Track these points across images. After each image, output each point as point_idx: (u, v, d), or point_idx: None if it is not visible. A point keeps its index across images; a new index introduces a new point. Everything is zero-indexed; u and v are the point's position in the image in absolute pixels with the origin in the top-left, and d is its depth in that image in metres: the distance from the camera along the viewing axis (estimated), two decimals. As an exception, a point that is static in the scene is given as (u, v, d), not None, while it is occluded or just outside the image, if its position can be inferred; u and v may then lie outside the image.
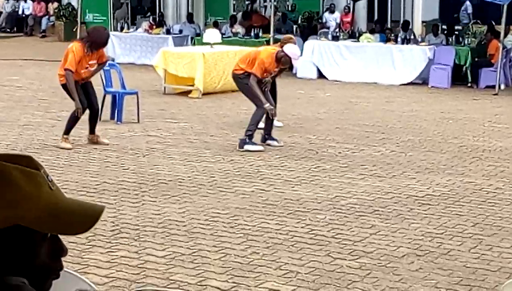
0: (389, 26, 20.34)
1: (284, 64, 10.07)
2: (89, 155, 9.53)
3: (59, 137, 9.97)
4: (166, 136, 10.82)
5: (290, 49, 9.99)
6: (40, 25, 27.52)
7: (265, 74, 10.03)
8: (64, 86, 9.74)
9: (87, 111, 9.87)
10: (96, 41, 9.68)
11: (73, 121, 9.78)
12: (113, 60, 17.19)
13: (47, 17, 27.66)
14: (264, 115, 10.22)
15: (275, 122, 11.29)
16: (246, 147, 9.83)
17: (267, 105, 9.90)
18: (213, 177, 8.56)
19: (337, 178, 8.64)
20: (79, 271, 5.32)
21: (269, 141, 10.24)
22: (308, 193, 7.96)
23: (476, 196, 8.00)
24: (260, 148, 9.88)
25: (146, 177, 8.47)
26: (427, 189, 8.24)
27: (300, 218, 7.04)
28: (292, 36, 11.38)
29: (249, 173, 8.77)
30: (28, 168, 1.51)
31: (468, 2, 22.21)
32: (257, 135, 10.21)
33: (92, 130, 10.09)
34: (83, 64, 9.66)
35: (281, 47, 10.09)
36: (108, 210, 7.16)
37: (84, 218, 1.53)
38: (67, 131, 9.83)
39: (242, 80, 10.09)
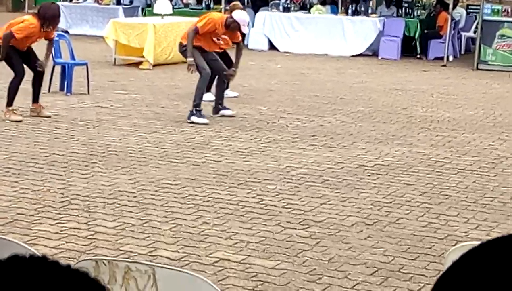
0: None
1: (233, 30, 9.99)
2: (38, 126, 9.43)
3: (3, 111, 9.71)
4: (117, 108, 10.74)
5: (239, 15, 9.94)
6: (-13, -5, 26.99)
7: (212, 37, 9.93)
8: None
9: (29, 77, 9.71)
10: (48, 16, 9.51)
11: (13, 90, 9.61)
12: (67, 32, 16.99)
13: (-6, -13, 27.12)
14: (216, 85, 10.20)
15: (230, 93, 11.29)
16: (192, 119, 9.79)
17: (190, 59, 9.79)
18: (164, 148, 8.54)
19: (288, 148, 8.68)
20: (28, 242, 5.28)
21: (222, 112, 10.22)
22: (259, 163, 7.99)
23: (424, 165, 8.11)
24: (205, 121, 9.77)
25: (96, 148, 8.42)
26: (376, 159, 8.33)
27: (251, 188, 7.07)
28: (238, 2, 11.27)
29: (200, 144, 8.77)
30: None
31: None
32: (207, 108, 10.20)
33: (35, 99, 9.89)
34: (32, 39, 9.54)
35: (230, 13, 10.09)
36: (58, 181, 7.12)
37: None
38: (10, 102, 9.67)
39: (185, 51, 9.99)
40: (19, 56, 9.56)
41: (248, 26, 10.67)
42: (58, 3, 20.17)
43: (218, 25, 9.85)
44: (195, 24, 9.94)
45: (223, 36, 10.18)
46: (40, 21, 9.47)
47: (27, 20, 9.60)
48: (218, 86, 10.25)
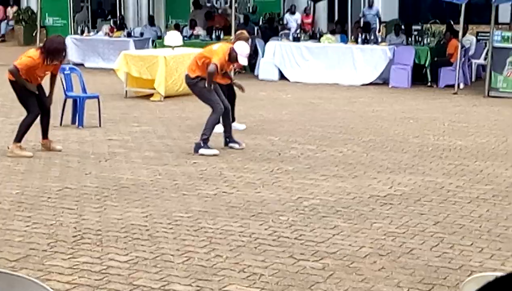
0: (349, 27, 20.45)
1: (232, 61, 10.09)
2: (50, 160, 9.45)
3: (11, 146, 9.67)
4: (128, 140, 10.77)
5: (238, 45, 10.02)
6: (-1, 30, 27.27)
7: (220, 70, 10.02)
8: (12, 82, 9.64)
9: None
10: (51, 49, 9.53)
11: (25, 127, 9.64)
12: (82, 65, 17.08)
13: (6, 21, 27.40)
14: (221, 119, 10.18)
15: (238, 126, 11.30)
16: (201, 151, 9.78)
17: (209, 86, 9.85)
18: (176, 180, 8.54)
19: (299, 179, 8.66)
20: (41, 278, 5.28)
21: (231, 144, 10.23)
22: (271, 194, 7.97)
23: (437, 194, 8.08)
24: (215, 151, 9.80)
25: (108, 182, 8.43)
26: (389, 188, 8.30)
27: (263, 220, 7.05)
28: (244, 31, 11.29)
29: (212, 176, 8.76)
30: None
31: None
32: (218, 139, 10.22)
33: (45, 134, 9.93)
34: (38, 73, 9.58)
35: (234, 44, 10.20)
36: (70, 216, 7.12)
37: None
38: (20, 138, 9.67)
39: (195, 84, 10.02)
40: (34, 95, 9.60)
41: (256, 56, 10.74)
42: (68, 36, 20.39)
43: (225, 60, 9.93)
44: (207, 58, 9.92)
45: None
46: (43, 54, 9.49)
47: (30, 53, 9.69)
48: (224, 120, 10.22)
